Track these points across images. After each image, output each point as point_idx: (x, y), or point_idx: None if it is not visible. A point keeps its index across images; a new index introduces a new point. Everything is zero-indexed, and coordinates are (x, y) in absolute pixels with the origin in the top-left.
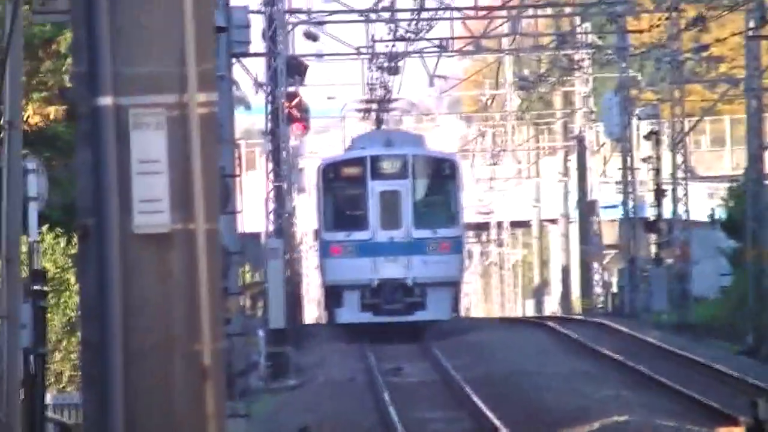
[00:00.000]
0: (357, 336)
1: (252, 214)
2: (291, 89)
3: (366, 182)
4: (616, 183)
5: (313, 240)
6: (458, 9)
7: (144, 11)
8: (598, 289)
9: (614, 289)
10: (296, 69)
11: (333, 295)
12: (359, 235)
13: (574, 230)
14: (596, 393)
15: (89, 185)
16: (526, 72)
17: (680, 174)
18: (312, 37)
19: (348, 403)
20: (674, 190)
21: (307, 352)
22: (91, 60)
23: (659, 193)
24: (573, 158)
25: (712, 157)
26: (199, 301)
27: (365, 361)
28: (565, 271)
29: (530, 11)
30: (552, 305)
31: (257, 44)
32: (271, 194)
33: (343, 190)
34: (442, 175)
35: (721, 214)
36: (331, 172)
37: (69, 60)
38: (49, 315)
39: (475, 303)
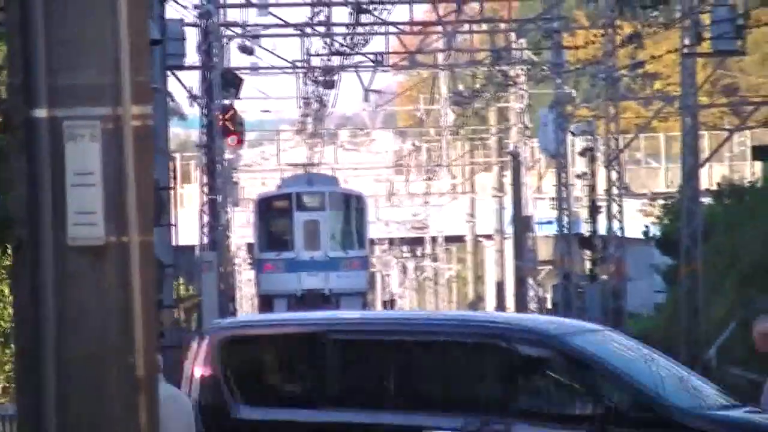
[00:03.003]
0: None
1: (187, 226)
2: (226, 102)
3: (292, 213)
4: (551, 199)
5: (249, 258)
6: (394, 24)
7: (79, 22)
8: (532, 305)
9: (549, 304)
10: (231, 82)
11: (266, 302)
12: (287, 255)
13: (509, 246)
14: None
15: (23, 196)
16: (461, 87)
17: (615, 190)
18: (247, 50)
19: None
20: (609, 207)
21: None
22: (25, 71)
23: (594, 210)
24: (508, 174)
25: (647, 174)
26: (133, 313)
27: None
28: (500, 287)
29: (466, 27)
30: None
31: (192, 57)
32: (206, 207)
33: (275, 219)
34: (352, 207)
35: (655, 231)
36: (265, 205)
37: (5, 72)
38: None
39: None
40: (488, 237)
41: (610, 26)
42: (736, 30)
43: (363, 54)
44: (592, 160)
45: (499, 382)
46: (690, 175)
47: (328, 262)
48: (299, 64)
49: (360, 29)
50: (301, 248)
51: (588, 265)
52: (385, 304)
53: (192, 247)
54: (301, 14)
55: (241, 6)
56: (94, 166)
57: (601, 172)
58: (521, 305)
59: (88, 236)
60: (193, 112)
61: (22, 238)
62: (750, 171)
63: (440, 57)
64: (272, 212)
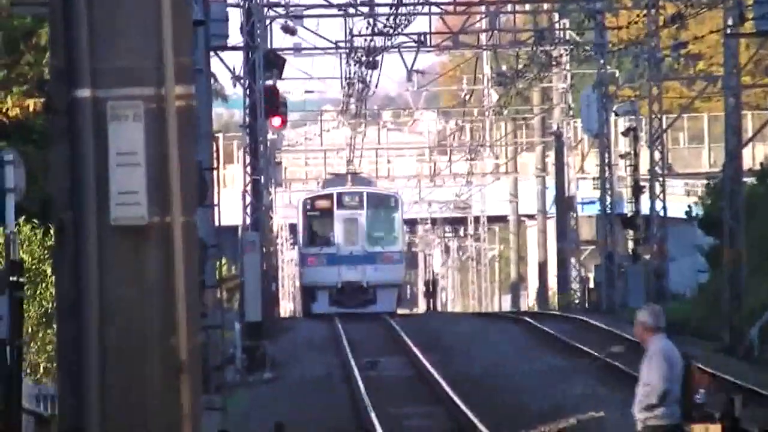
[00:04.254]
0: (331, 326)
1: (229, 207)
2: (269, 83)
3: (333, 211)
4: (594, 179)
5: (291, 238)
6: (437, 4)
7: (122, 4)
8: (574, 285)
9: (591, 285)
10: (274, 63)
11: (308, 293)
12: (328, 250)
13: (552, 226)
14: (572, 389)
15: (67, 177)
16: (504, 68)
17: (658, 171)
18: (290, 31)
19: (324, 398)
20: (652, 187)
21: (283, 346)
22: (69, 53)
23: (637, 190)
24: (551, 154)
25: (690, 154)
26: (176, 294)
27: (341, 355)
28: (542, 267)
29: (509, 7)
30: (529, 301)
31: (235, 38)
32: (249, 188)
33: (317, 217)
34: (388, 206)
35: (697, 211)
36: (308, 204)
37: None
38: (25, 306)
39: (452, 298)
40: (531, 217)
41: (653, 6)
42: None
43: (406, 34)
44: (635, 140)
45: None
46: (733, 155)
47: (366, 256)
48: (342, 45)
49: (403, 9)
50: (341, 243)
51: (630, 245)
52: (427, 284)
53: (235, 228)
54: None
55: None
56: (138, 147)
57: (644, 152)
58: (563, 285)
59: (131, 216)
60: (236, 92)
61: (66, 218)
62: None
63: (483, 37)
64: (315, 211)
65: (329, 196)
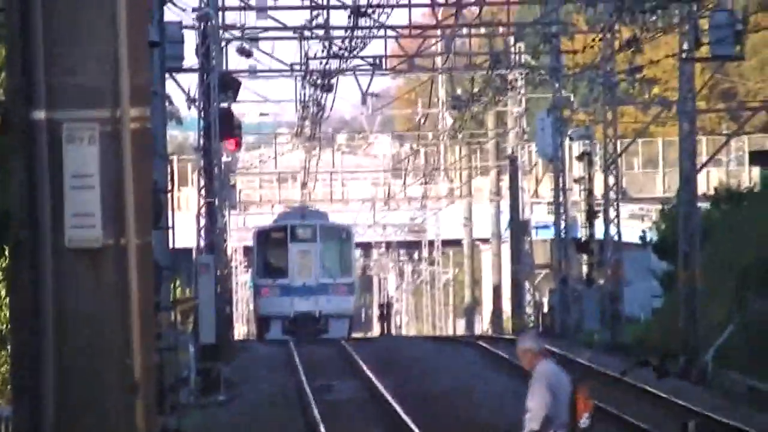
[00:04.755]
0: (285, 350)
1: (184, 229)
2: (224, 105)
3: (287, 244)
4: (548, 203)
5: (245, 261)
6: (392, 27)
7: (78, 25)
8: (529, 309)
9: (545, 309)
10: (229, 85)
11: (263, 322)
12: (282, 281)
13: (506, 250)
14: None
15: (22, 198)
16: (459, 91)
17: (612, 195)
18: (246, 53)
19: (278, 419)
20: (606, 211)
21: (237, 368)
22: (24, 73)
23: (591, 214)
24: (505, 178)
25: (644, 179)
26: (130, 315)
27: (296, 377)
28: (497, 291)
29: (464, 30)
30: (483, 324)
31: (191, 59)
32: (203, 210)
33: (271, 249)
34: (340, 239)
35: (652, 236)
36: (263, 236)
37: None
38: None
39: (406, 321)
40: (485, 241)
41: (609, 31)
42: (734, 35)
43: (361, 57)
44: (590, 164)
45: None
46: (687, 179)
47: (319, 287)
48: (297, 67)
49: (358, 32)
50: (295, 275)
51: (585, 269)
52: (381, 307)
53: (189, 250)
54: (300, 17)
55: (239, 9)
56: (93, 169)
57: (599, 177)
58: (518, 309)
59: (85, 238)
60: (191, 114)
61: (21, 239)
62: (748, 176)
63: (438, 61)
64: (269, 243)
65: (283, 229)
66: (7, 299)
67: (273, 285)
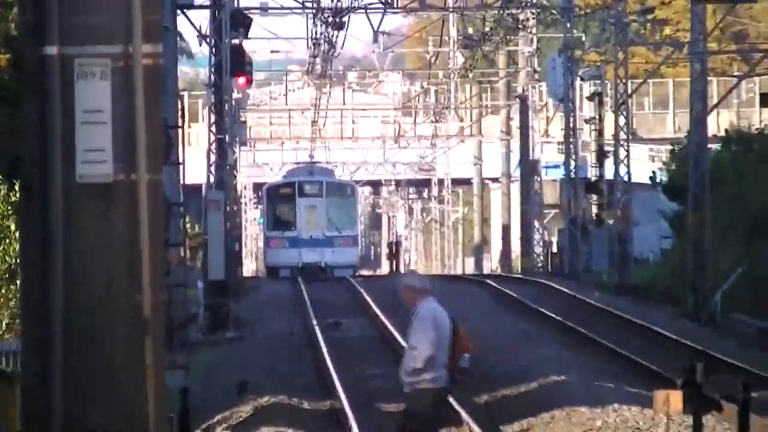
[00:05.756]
0: (294, 287)
1: (194, 166)
2: (235, 42)
3: (295, 198)
4: (559, 143)
5: (255, 197)
6: None
7: None
8: (538, 249)
9: (554, 249)
10: (240, 22)
11: (272, 272)
12: (290, 233)
13: (516, 189)
14: (536, 353)
15: (34, 134)
16: (470, 30)
17: (622, 136)
18: None
19: (286, 357)
20: (616, 152)
21: (246, 305)
22: (37, 9)
23: (601, 155)
24: (516, 118)
25: (654, 120)
26: (140, 251)
27: (304, 315)
28: (506, 230)
29: None
30: (492, 264)
31: None
32: (213, 147)
33: (280, 204)
34: (345, 194)
35: (662, 177)
36: (272, 191)
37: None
38: None
39: (415, 260)
40: (495, 180)
41: None
42: None
43: None
44: (600, 104)
45: None
46: (698, 121)
47: (325, 240)
48: (309, 5)
49: None
50: (303, 228)
51: (594, 209)
52: (390, 245)
53: (199, 187)
54: None
55: None
56: (104, 104)
57: (609, 117)
58: (527, 249)
59: (97, 174)
60: (202, 50)
61: (33, 175)
62: (758, 118)
63: None
64: (278, 198)
65: (292, 185)
66: (18, 233)
67: (282, 237)
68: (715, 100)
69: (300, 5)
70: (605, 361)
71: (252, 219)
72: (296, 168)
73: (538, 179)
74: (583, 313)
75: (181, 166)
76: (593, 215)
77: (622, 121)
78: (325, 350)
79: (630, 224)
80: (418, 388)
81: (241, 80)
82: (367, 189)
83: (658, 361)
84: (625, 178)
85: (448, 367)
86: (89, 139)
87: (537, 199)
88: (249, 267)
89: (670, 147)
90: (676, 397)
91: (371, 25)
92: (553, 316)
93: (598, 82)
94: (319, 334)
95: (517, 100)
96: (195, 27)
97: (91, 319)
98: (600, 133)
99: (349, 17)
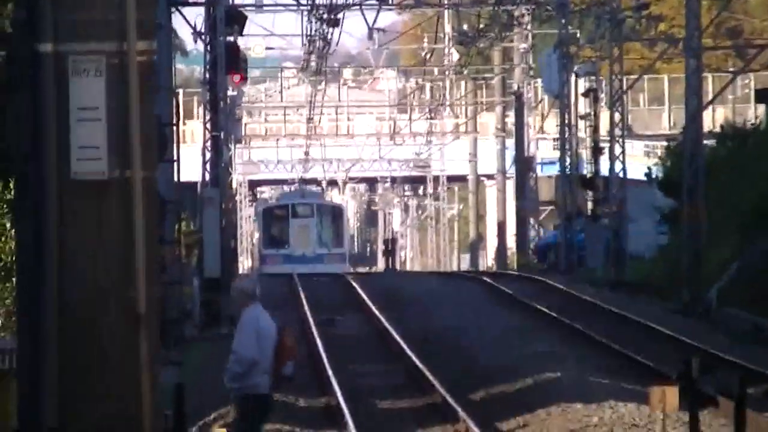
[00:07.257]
0: (289, 284)
1: (189, 163)
2: (230, 39)
3: (288, 219)
4: (554, 139)
5: (250, 194)
6: None
7: None
8: (533, 245)
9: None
10: (235, 19)
11: None
12: (284, 251)
13: (511, 186)
14: (530, 348)
15: (28, 131)
16: (465, 27)
17: (618, 132)
18: None
19: None
20: (611, 148)
21: None
22: (31, 6)
23: (596, 151)
24: (511, 114)
25: (650, 116)
26: (134, 248)
27: (300, 311)
28: (501, 227)
29: None
30: (487, 260)
31: None
32: (208, 144)
33: (275, 224)
34: (334, 215)
35: (657, 173)
36: (268, 213)
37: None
38: None
39: (411, 257)
40: (490, 177)
41: None
42: None
43: None
44: (596, 101)
45: None
46: (693, 117)
47: (316, 257)
48: (303, 2)
49: None
50: (295, 246)
51: (590, 206)
52: (386, 242)
53: (194, 184)
54: None
55: None
56: (99, 101)
57: (604, 114)
58: (522, 245)
59: (91, 171)
60: (197, 48)
61: (26, 171)
62: (753, 114)
63: None
64: (273, 219)
65: (285, 207)
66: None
67: (276, 254)
68: (710, 96)
69: (295, 2)
70: (600, 356)
71: (247, 216)
72: (289, 192)
73: (534, 176)
74: (578, 308)
75: (176, 164)
76: (588, 211)
77: (617, 117)
78: (320, 347)
79: (625, 220)
80: (238, 394)
81: (236, 77)
82: (363, 186)
83: (653, 356)
84: (621, 174)
85: (270, 373)
86: (84, 136)
87: (532, 195)
88: (245, 264)
89: (665, 143)
90: (671, 394)
91: (366, 21)
92: (548, 311)
93: (593, 78)
94: (314, 330)
95: (513, 96)
96: (190, 24)
97: (86, 314)
98: (595, 129)
99: (344, 14)
